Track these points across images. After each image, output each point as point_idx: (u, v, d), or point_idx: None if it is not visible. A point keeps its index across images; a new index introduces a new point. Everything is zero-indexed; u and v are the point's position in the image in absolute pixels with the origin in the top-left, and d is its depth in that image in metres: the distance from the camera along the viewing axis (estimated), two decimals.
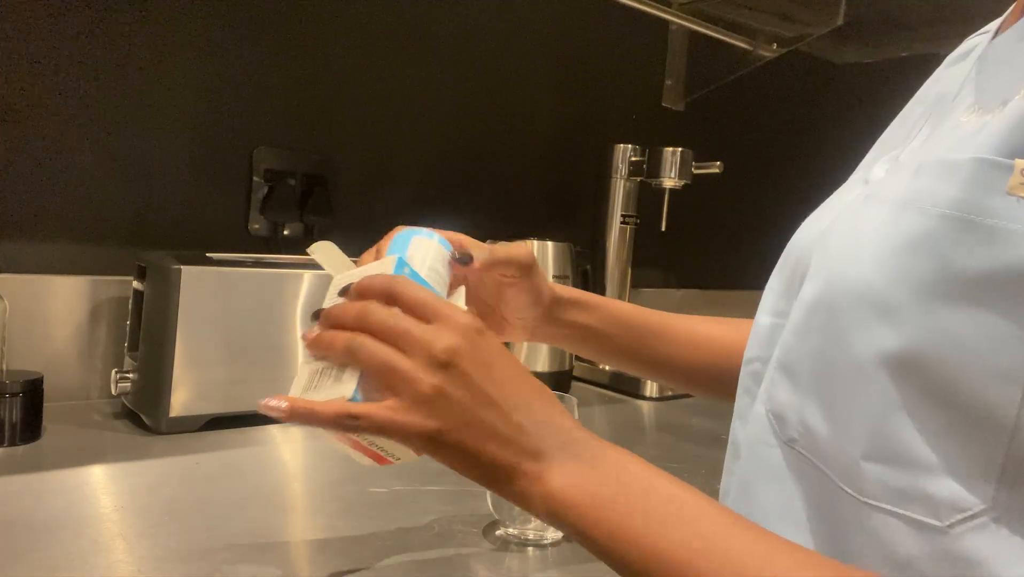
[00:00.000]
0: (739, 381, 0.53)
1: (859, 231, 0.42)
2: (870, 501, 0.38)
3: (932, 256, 0.36)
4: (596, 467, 0.42)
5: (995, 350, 0.34)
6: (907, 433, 0.37)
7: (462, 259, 0.55)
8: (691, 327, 0.70)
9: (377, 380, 0.42)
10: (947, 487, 0.36)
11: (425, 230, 0.55)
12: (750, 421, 0.49)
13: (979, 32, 0.50)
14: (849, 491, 0.39)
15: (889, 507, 0.38)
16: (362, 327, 0.43)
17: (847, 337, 0.40)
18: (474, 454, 0.41)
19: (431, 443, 0.41)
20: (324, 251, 0.54)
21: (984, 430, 0.35)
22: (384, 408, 0.41)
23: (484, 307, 0.64)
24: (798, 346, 0.45)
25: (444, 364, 0.41)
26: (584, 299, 0.68)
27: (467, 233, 0.60)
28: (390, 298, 0.44)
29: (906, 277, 0.37)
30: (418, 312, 0.43)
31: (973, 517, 0.35)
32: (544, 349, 1.28)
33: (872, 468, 0.38)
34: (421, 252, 0.52)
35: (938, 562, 0.36)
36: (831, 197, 0.52)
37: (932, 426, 0.36)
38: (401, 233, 0.54)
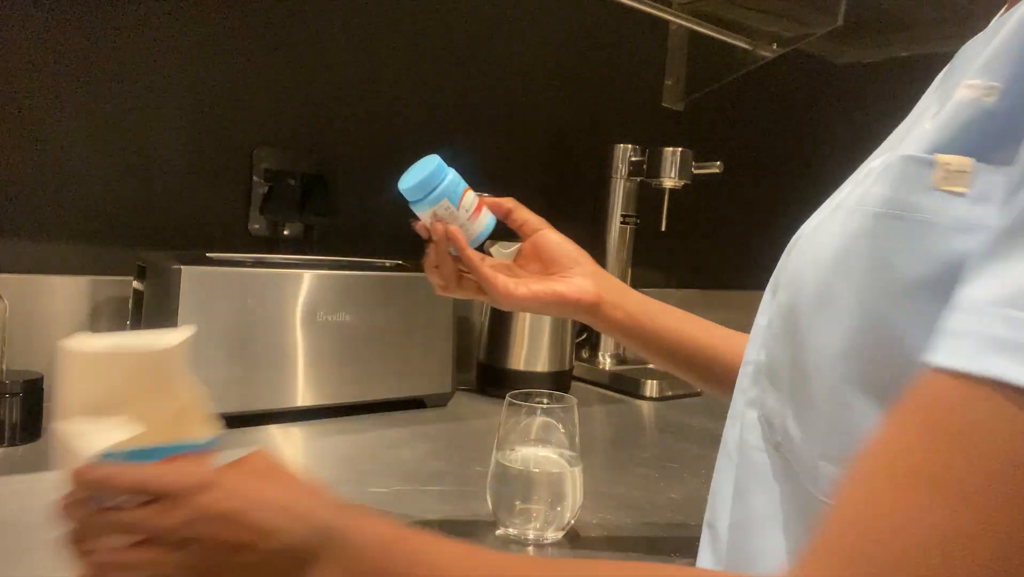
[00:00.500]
0: (737, 380, 0.53)
1: (822, 236, 0.43)
2: (828, 500, 0.39)
3: (871, 255, 0.38)
4: (358, 555, 0.40)
5: None
6: (858, 431, 0.37)
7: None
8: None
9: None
10: None
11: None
12: (742, 424, 0.50)
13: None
14: (812, 491, 0.40)
15: None
16: (98, 536, 0.42)
17: (806, 341, 0.41)
18: None
19: None
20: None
21: None
22: None
23: (539, 266, 0.69)
24: (777, 352, 0.46)
25: (183, 541, 0.40)
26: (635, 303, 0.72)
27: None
28: (108, 494, 0.41)
29: (850, 276, 0.38)
30: (139, 494, 0.41)
31: None
32: (544, 349, 1.28)
33: (828, 467, 0.39)
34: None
35: None
36: (831, 196, 0.52)
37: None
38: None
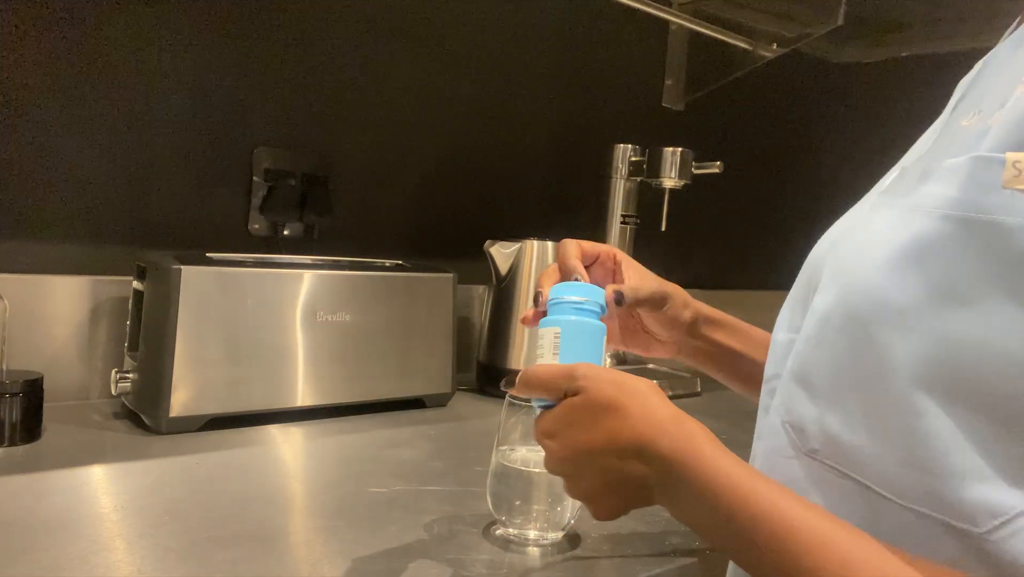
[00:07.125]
0: (760, 400, 0.53)
1: (869, 238, 0.42)
2: (912, 506, 0.38)
3: (940, 258, 0.37)
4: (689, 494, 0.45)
5: (1015, 346, 0.34)
6: (934, 438, 0.36)
7: (618, 299, 0.64)
8: None
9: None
10: (980, 492, 0.35)
11: (575, 285, 0.60)
12: (765, 435, 0.49)
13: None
14: (890, 497, 0.39)
15: (929, 512, 0.37)
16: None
17: (866, 345, 0.40)
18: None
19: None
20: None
21: (1013, 428, 0.34)
22: None
23: (629, 331, 0.72)
24: (813, 356, 0.45)
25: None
26: (728, 321, 0.73)
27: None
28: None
29: (918, 282, 0.37)
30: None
31: (1011, 521, 0.34)
32: None
33: (908, 473, 0.38)
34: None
35: (982, 566, 0.35)
36: (850, 211, 0.52)
37: (960, 430, 0.36)
38: (556, 292, 0.59)
